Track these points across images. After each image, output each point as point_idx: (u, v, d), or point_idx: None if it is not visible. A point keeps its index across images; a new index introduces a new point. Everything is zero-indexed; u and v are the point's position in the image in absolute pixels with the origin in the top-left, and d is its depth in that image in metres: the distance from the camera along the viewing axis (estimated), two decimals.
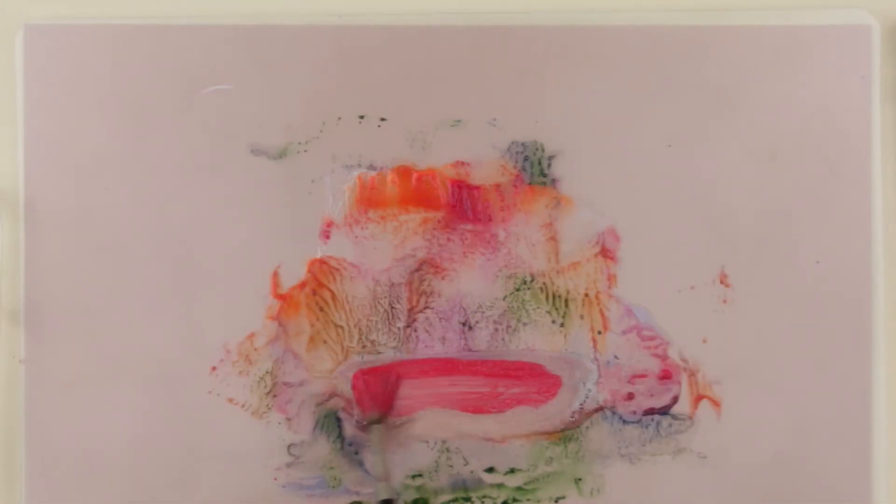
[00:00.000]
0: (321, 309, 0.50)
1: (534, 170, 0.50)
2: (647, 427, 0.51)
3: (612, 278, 0.50)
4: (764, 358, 0.50)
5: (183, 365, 0.50)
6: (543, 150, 0.50)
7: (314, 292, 0.50)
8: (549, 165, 0.50)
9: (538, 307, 0.50)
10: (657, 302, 0.50)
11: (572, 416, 0.51)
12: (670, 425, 0.51)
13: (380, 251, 0.50)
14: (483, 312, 0.51)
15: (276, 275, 0.50)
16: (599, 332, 0.51)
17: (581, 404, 0.50)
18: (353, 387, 0.50)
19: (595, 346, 0.51)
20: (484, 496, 0.51)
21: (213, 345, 0.50)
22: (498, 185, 0.51)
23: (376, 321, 0.51)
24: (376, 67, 0.50)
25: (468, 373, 0.50)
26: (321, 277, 0.50)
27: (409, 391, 0.50)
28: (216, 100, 0.50)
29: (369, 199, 0.50)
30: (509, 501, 0.51)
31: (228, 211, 0.50)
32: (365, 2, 0.51)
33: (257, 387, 0.50)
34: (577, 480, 0.51)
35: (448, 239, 0.50)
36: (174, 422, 0.50)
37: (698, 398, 0.51)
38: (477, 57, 0.50)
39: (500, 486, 0.51)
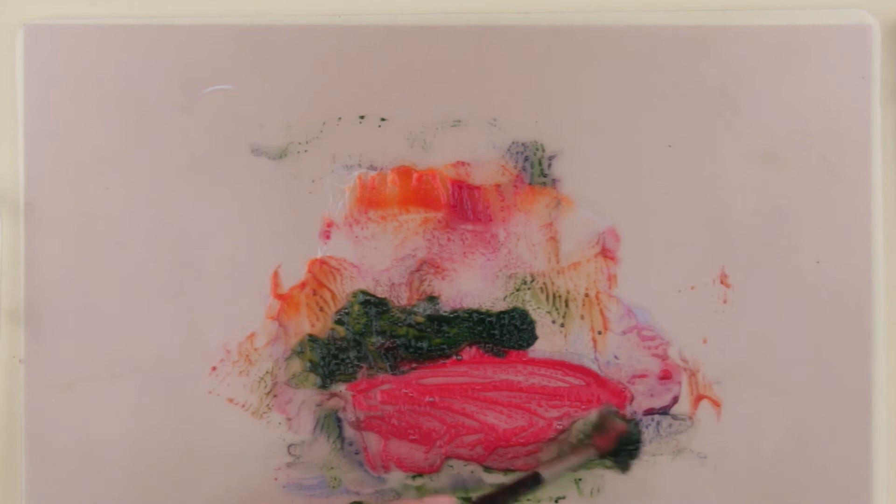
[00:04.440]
0: (321, 309, 0.50)
1: (534, 170, 0.50)
2: (647, 427, 0.51)
3: (612, 278, 0.50)
4: (764, 358, 0.50)
5: (183, 365, 0.50)
6: (544, 151, 0.50)
7: (314, 292, 0.50)
8: (550, 166, 0.50)
9: (538, 307, 0.50)
10: (657, 302, 0.50)
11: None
12: (670, 425, 0.51)
13: (380, 251, 0.50)
14: None
15: (276, 275, 0.50)
16: (599, 333, 0.51)
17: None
18: None
19: (595, 347, 0.51)
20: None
21: (213, 345, 0.50)
22: (498, 186, 0.51)
23: None
24: (376, 67, 0.50)
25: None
26: (321, 277, 0.50)
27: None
28: (216, 100, 0.50)
29: (369, 199, 0.50)
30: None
31: (228, 211, 0.50)
32: (365, 2, 0.51)
33: (257, 387, 0.50)
34: (577, 480, 0.51)
35: (448, 239, 0.50)
36: (174, 422, 0.50)
37: (698, 398, 0.51)
38: (477, 57, 0.50)
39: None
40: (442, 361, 0.50)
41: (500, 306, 0.50)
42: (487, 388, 0.50)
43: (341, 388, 0.50)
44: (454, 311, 0.50)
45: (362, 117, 0.50)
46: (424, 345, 0.50)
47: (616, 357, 0.51)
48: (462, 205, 0.50)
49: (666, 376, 0.51)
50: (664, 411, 0.51)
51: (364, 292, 0.50)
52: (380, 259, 0.50)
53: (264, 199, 0.50)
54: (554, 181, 0.51)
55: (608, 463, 0.50)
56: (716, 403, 0.51)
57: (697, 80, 0.51)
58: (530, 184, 0.51)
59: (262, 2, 0.51)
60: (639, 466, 0.51)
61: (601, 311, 0.51)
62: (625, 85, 0.50)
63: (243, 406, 0.50)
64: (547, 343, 0.50)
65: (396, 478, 0.51)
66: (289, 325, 0.50)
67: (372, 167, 0.51)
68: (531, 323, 0.50)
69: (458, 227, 0.50)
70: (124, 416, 0.50)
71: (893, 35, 0.51)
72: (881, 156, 0.51)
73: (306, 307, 0.50)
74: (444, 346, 0.50)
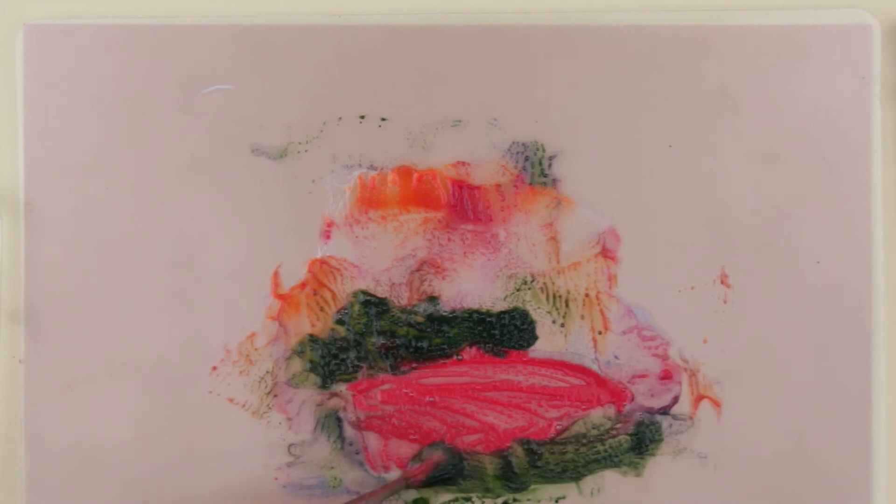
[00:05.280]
0: (321, 309, 0.50)
1: (534, 170, 0.50)
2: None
3: (612, 278, 0.50)
4: (764, 358, 0.50)
5: (183, 365, 0.50)
6: (544, 151, 0.51)
7: (314, 292, 0.50)
8: (550, 166, 0.50)
9: (539, 307, 0.50)
10: (657, 302, 0.50)
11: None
12: (670, 425, 0.51)
13: (380, 251, 0.50)
14: None
15: (276, 275, 0.50)
16: (600, 333, 0.51)
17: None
18: None
19: (595, 347, 0.51)
20: (484, 496, 0.51)
21: (213, 345, 0.50)
22: (498, 186, 0.51)
23: None
24: (376, 67, 0.50)
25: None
26: (321, 277, 0.50)
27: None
28: (216, 100, 0.50)
29: (370, 199, 0.50)
30: (509, 501, 0.51)
31: (228, 211, 0.50)
32: (365, 2, 0.51)
33: (257, 387, 0.50)
34: (578, 480, 0.51)
35: (448, 239, 0.50)
36: (174, 422, 0.50)
37: (698, 398, 0.51)
38: (477, 57, 0.50)
39: None
40: (442, 361, 0.50)
41: (501, 306, 0.50)
42: (487, 388, 0.50)
43: (341, 387, 0.50)
44: (454, 311, 0.50)
45: (362, 117, 0.50)
46: (424, 345, 0.50)
47: (616, 357, 0.51)
48: (462, 205, 0.50)
49: (666, 376, 0.51)
50: (664, 411, 0.51)
51: (364, 292, 0.50)
52: (380, 259, 0.50)
53: (264, 199, 0.50)
54: (554, 181, 0.51)
55: (623, 465, 0.50)
56: (716, 403, 0.51)
57: (697, 80, 0.51)
58: (530, 184, 0.51)
59: (262, 2, 0.51)
60: (639, 466, 0.51)
61: (601, 311, 0.51)
62: (625, 85, 0.50)
63: (243, 406, 0.50)
64: (547, 343, 0.51)
65: (396, 477, 0.50)
66: (289, 325, 0.50)
67: (372, 167, 0.51)
68: (531, 323, 0.50)
69: (458, 227, 0.51)
70: (124, 416, 0.50)
71: (893, 35, 0.51)
72: (881, 156, 0.51)
73: (306, 307, 0.50)
74: (445, 346, 0.50)
